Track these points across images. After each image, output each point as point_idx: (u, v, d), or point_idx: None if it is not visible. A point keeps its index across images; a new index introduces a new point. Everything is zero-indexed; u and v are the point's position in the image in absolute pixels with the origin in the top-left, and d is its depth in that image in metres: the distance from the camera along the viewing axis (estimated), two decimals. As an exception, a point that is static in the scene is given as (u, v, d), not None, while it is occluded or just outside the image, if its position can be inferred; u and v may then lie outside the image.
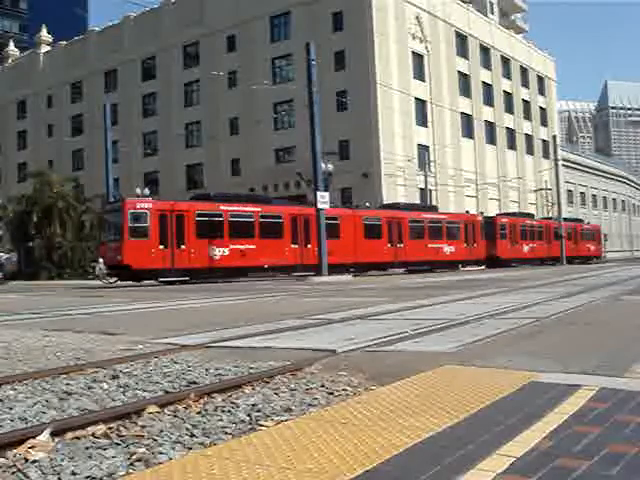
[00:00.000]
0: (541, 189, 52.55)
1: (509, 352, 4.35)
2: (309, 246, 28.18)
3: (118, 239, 24.32)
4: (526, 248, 41.62)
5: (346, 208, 33.17)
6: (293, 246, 28.20)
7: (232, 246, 26.35)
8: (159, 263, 24.34)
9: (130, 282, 24.57)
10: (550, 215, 51.26)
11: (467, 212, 41.30)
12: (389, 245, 32.58)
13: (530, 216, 47.09)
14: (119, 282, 25.00)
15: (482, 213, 42.20)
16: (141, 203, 25.27)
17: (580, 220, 55.99)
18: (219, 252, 25.99)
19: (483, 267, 36.65)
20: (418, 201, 42.29)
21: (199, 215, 25.66)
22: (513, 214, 44.92)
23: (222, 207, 26.79)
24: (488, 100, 54.02)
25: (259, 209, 27.84)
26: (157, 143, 53.37)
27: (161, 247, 24.52)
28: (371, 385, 3.57)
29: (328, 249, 26.89)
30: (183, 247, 24.98)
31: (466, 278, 21.45)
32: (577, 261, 46.70)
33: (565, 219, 50.05)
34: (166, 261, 24.50)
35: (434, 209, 38.30)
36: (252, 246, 26.86)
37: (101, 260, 24.45)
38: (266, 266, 27.41)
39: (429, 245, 34.48)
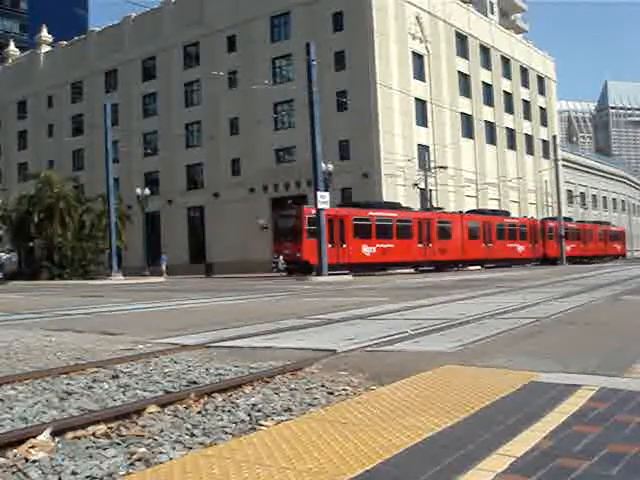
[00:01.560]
0: (582, 193, 58.31)
1: (509, 352, 4.35)
2: (430, 245, 34.46)
3: (297, 239, 28.97)
4: (568, 248, 46.61)
5: (455, 213, 39.31)
6: (419, 245, 33.89)
7: (378, 245, 31.54)
8: (329, 259, 28.21)
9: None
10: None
11: (525, 217, 48.06)
12: (484, 245, 38.60)
13: (568, 219, 52.47)
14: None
15: (532, 217, 49.00)
16: (315, 210, 29.45)
17: (608, 223, 62.16)
18: (369, 250, 31.24)
19: (530, 265, 41.99)
20: (418, 201, 42.46)
21: (355, 219, 30.77)
22: (556, 218, 50.14)
23: (370, 213, 32.01)
24: (488, 100, 54.02)
25: (396, 214, 33.52)
26: (157, 143, 53.35)
27: (329, 246, 28.53)
28: (371, 385, 3.57)
29: (443, 248, 34.83)
30: (345, 246, 30.19)
31: (466, 278, 21.45)
32: (607, 259, 52.33)
33: (596, 222, 57.92)
34: (333, 257, 28.76)
35: (507, 214, 44.60)
36: (391, 245, 32.24)
37: (281, 257, 28.75)
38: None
39: (508, 245, 40.75)
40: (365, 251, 31.03)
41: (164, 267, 42.22)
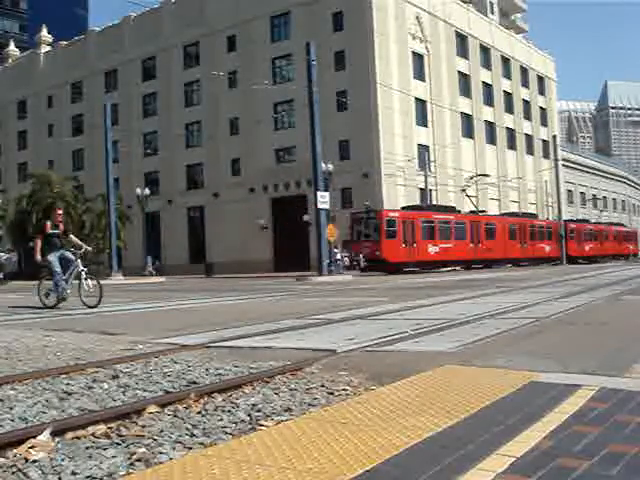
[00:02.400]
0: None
1: (509, 352, 4.35)
2: (480, 245, 38.29)
3: (376, 239, 32.18)
4: (587, 247, 51.39)
5: (498, 216, 44.16)
6: (471, 245, 37.63)
7: (440, 245, 35.20)
8: (403, 257, 32.72)
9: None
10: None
11: (547, 219, 52.65)
12: (520, 245, 42.49)
13: (586, 221, 57.35)
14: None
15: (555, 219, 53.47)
16: (391, 213, 34.19)
17: (622, 224, 67.54)
18: (433, 249, 34.82)
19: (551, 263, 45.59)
20: (418, 201, 42.53)
21: (422, 222, 34.53)
22: (578, 220, 55.62)
23: (434, 216, 35.75)
24: (488, 100, 54.01)
25: (452, 217, 37.40)
26: (157, 143, 53.37)
27: (403, 245, 32.92)
28: (371, 385, 3.57)
29: (490, 247, 38.43)
30: (415, 245, 33.56)
31: (466, 278, 21.44)
32: (621, 258, 56.38)
33: (611, 223, 62.83)
34: (406, 256, 32.89)
35: (535, 217, 48.86)
36: (450, 245, 35.80)
37: (361, 255, 31.66)
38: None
39: (538, 245, 44.95)
40: (430, 250, 34.67)
41: (150, 268, 41.58)
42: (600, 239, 54.44)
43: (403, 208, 36.65)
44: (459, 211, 40.33)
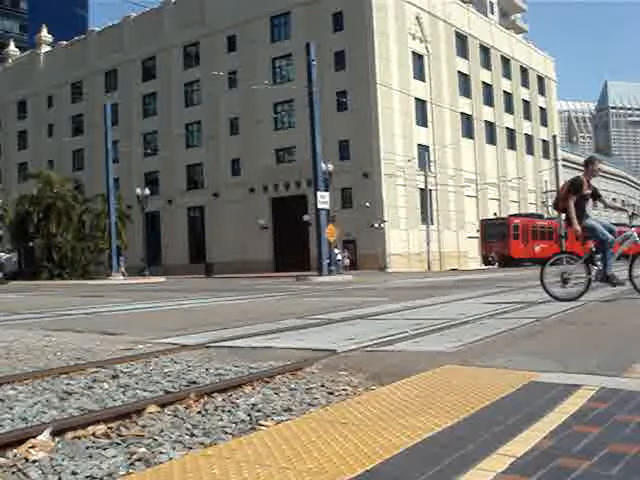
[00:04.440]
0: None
1: (509, 352, 4.35)
2: (558, 245, 45.17)
3: (505, 240, 42.10)
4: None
5: (553, 220, 50.76)
6: (555, 245, 43.63)
7: (540, 245, 43.79)
8: (522, 254, 41.97)
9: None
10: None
11: None
12: (581, 244, 49.97)
13: (624, 225, 63.85)
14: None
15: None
16: (515, 219, 44.52)
17: None
18: (538, 248, 42.99)
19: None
20: (418, 201, 42.58)
21: (532, 226, 44.77)
22: (617, 224, 62.80)
23: (537, 222, 45.95)
24: (488, 100, 54.03)
25: (546, 223, 46.81)
26: (157, 143, 53.39)
27: (522, 245, 42.65)
28: (371, 385, 3.57)
29: (548, 246, 43.94)
30: (528, 245, 42.99)
31: (466, 278, 21.45)
32: None
33: None
34: (524, 253, 42.19)
35: None
36: (545, 245, 43.70)
37: (492, 253, 41.39)
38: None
39: (590, 244, 51.88)
40: (536, 249, 42.94)
41: (123, 268, 40.87)
42: None
43: (510, 216, 46.31)
44: (544, 217, 48.77)
